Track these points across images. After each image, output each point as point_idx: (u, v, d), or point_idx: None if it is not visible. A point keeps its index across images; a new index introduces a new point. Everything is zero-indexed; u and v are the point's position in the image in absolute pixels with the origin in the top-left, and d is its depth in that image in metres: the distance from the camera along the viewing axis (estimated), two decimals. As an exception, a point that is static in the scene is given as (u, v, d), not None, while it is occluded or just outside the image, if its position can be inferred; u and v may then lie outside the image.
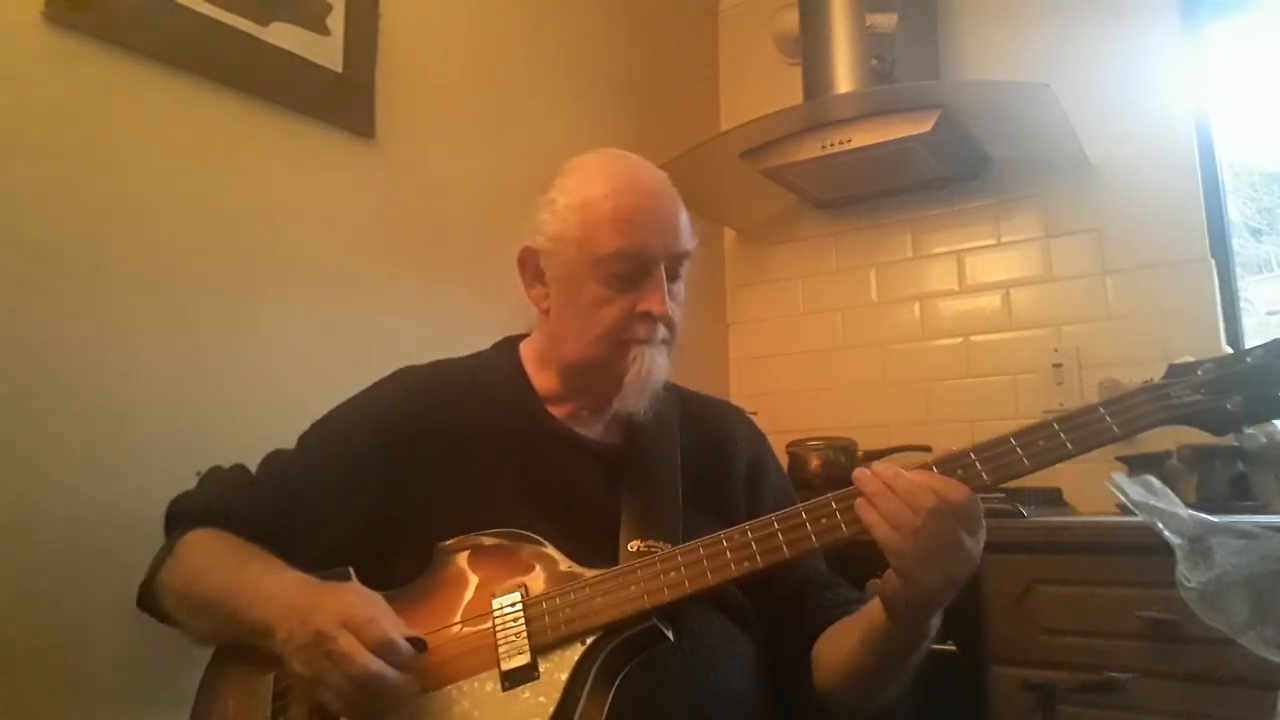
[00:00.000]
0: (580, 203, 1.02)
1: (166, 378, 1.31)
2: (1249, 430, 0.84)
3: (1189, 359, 0.85)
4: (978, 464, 0.82)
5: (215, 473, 1.08)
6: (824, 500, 0.85)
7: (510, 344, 1.16)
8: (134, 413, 1.26)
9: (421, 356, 1.17)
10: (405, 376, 1.12)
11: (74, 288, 1.22)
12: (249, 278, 1.44)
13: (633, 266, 1.00)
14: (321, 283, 1.55)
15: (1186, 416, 0.82)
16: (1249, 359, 0.82)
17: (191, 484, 1.09)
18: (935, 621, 0.85)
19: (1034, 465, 0.82)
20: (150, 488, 1.14)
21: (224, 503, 1.03)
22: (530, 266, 1.09)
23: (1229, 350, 1.90)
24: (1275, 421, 1.85)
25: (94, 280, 1.25)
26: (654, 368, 1.02)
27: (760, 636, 1.02)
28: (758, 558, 0.84)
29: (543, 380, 1.10)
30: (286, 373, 1.45)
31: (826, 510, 0.84)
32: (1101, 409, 0.82)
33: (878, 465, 0.82)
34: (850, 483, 0.82)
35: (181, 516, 1.04)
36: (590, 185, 1.03)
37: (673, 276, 1.03)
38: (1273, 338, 0.83)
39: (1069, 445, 0.82)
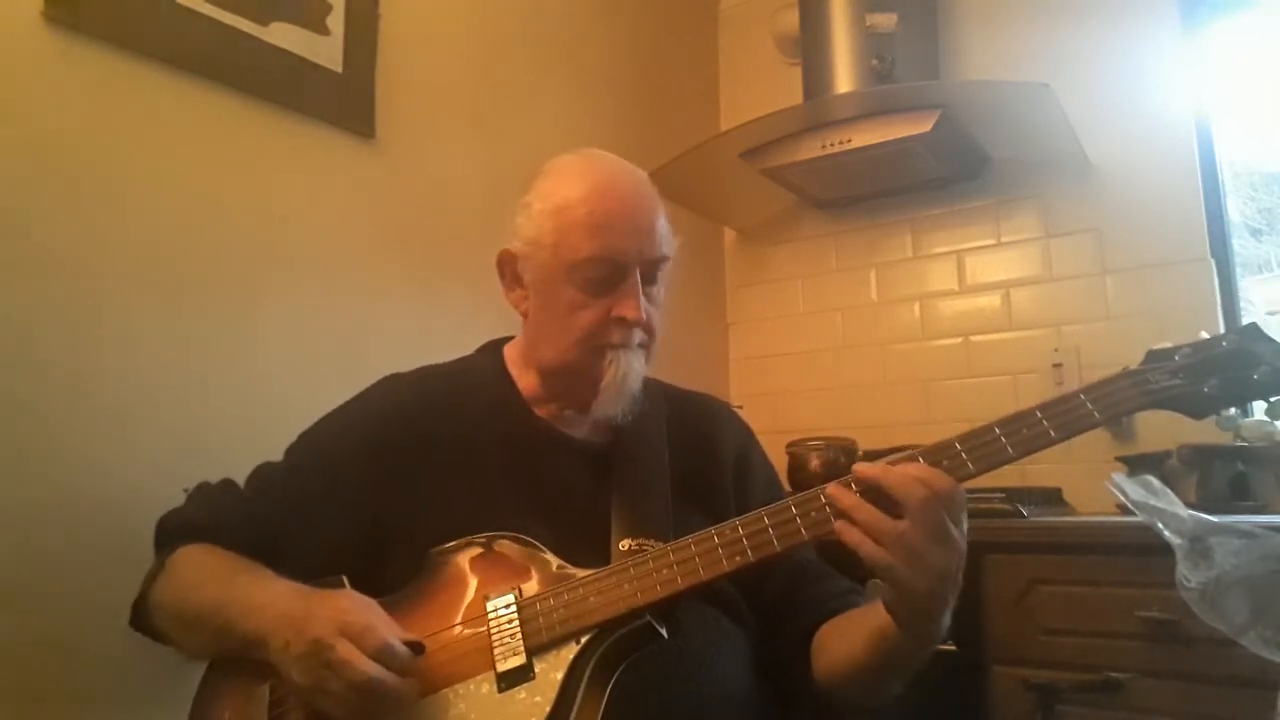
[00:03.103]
0: (554, 208, 1.02)
1: (166, 377, 1.31)
2: (1226, 413, 0.86)
3: (1167, 345, 0.86)
4: (963, 454, 0.83)
5: (204, 488, 1.08)
6: (813, 493, 0.85)
7: (495, 347, 1.17)
8: (133, 412, 1.26)
9: (421, 356, 1.17)
10: (390, 384, 1.12)
11: (73, 287, 1.22)
12: (248, 277, 1.44)
13: (607, 271, 1.00)
14: (321, 283, 1.55)
15: (1165, 400, 0.84)
16: (1224, 343, 0.84)
17: (189, 485, 1.09)
18: (945, 623, 0.82)
19: (1018, 453, 0.83)
20: (150, 488, 1.14)
21: (213, 517, 1.02)
22: (509, 270, 1.09)
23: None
24: (1275, 422, 1.85)
25: (93, 279, 1.25)
26: (630, 372, 1.01)
27: (755, 629, 1.02)
28: (749, 552, 0.84)
29: (526, 382, 1.10)
30: (286, 372, 1.45)
31: (815, 503, 0.84)
32: (1082, 395, 0.84)
33: (862, 466, 0.81)
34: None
35: (171, 533, 1.03)
36: (565, 189, 1.02)
37: (649, 280, 1.03)
38: (1249, 322, 0.85)
39: (1052, 433, 0.83)
